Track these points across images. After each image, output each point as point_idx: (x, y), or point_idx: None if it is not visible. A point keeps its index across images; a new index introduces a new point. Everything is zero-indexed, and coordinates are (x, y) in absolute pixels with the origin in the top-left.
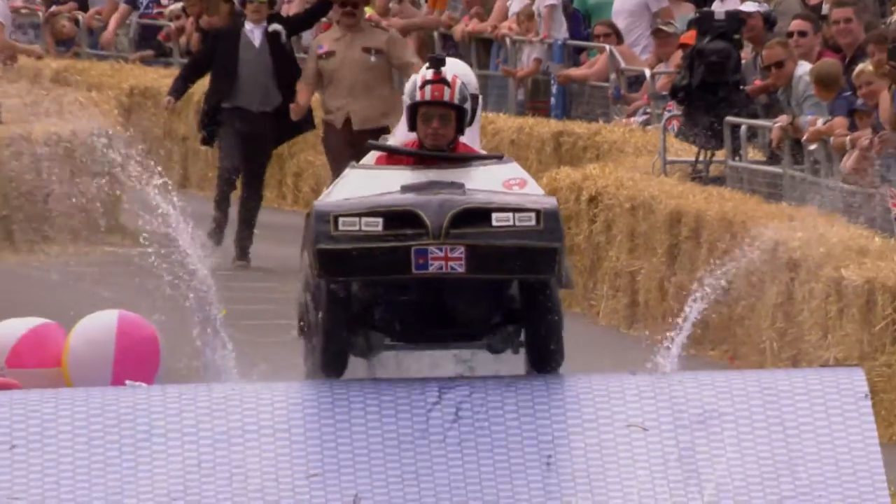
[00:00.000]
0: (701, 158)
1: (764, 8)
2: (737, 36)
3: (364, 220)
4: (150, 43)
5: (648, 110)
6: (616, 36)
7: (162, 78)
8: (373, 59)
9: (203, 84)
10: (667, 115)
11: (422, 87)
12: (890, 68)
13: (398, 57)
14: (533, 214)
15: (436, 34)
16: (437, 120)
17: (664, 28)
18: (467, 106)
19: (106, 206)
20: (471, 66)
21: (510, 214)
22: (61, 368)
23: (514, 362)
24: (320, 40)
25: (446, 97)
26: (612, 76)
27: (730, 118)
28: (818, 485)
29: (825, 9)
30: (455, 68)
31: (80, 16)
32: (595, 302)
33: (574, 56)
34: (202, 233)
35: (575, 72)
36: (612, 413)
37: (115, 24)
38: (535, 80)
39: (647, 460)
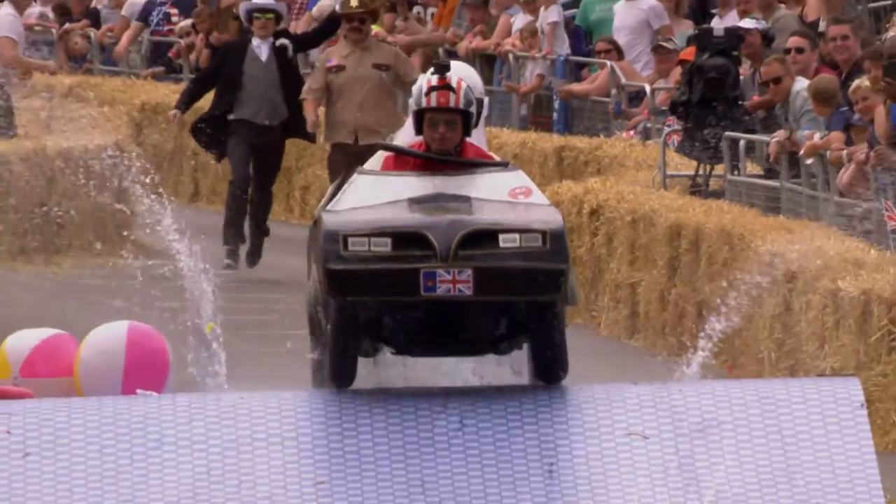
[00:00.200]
0: (700, 172)
1: (762, 25)
2: (735, 52)
3: (373, 240)
4: (161, 59)
5: (648, 125)
6: (617, 52)
7: (172, 94)
8: (384, 75)
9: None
10: (667, 129)
11: (427, 93)
12: (885, 84)
13: (406, 73)
14: (539, 236)
15: (441, 51)
16: (443, 125)
17: (664, 44)
18: (473, 109)
19: (118, 220)
20: None
21: (517, 235)
22: (73, 378)
23: (519, 363)
24: (329, 54)
25: (452, 103)
26: (613, 91)
27: (729, 133)
28: (815, 492)
29: (822, 26)
30: (460, 71)
31: (93, 33)
32: (596, 313)
33: (576, 72)
34: (211, 244)
35: (577, 87)
36: (613, 422)
37: (126, 41)
38: (537, 95)
39: (648, 468)
